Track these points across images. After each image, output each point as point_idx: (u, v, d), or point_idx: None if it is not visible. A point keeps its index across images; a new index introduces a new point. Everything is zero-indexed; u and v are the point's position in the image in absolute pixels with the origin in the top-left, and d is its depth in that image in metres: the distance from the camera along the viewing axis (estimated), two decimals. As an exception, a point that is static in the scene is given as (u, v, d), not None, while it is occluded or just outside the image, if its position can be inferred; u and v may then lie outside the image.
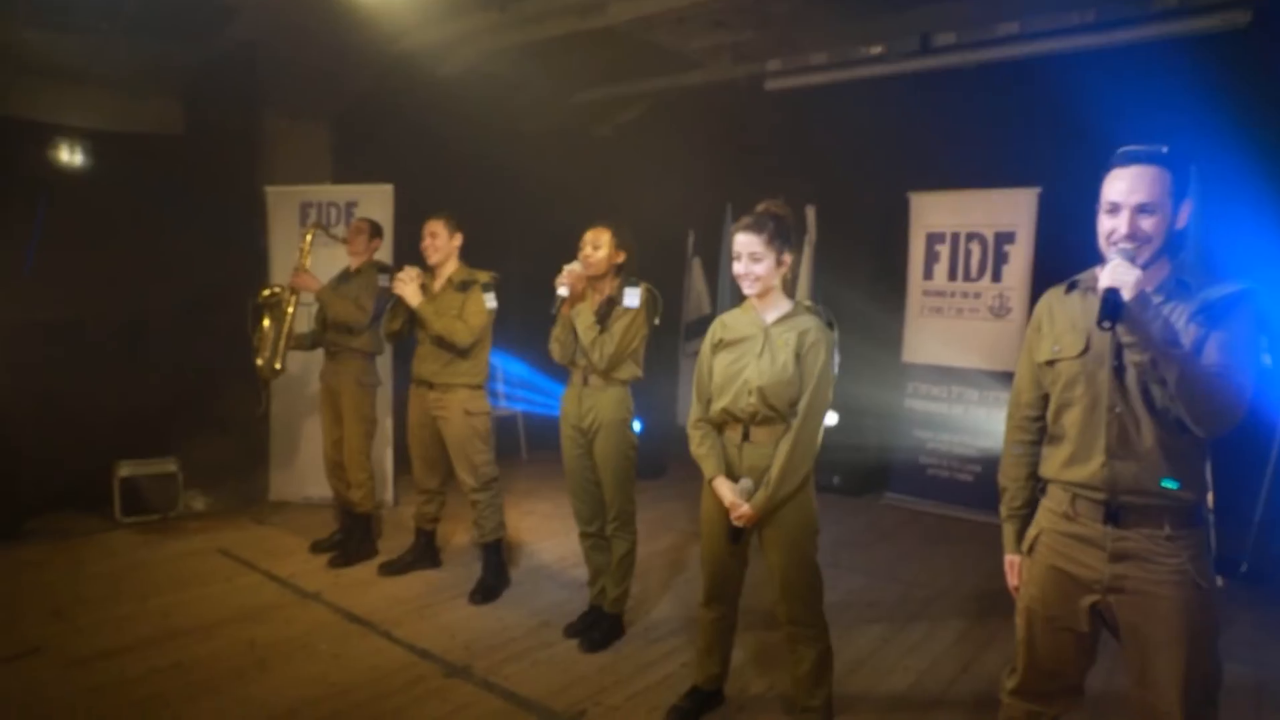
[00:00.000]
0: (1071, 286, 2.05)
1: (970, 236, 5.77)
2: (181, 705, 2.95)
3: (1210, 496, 1.91)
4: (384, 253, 4.96)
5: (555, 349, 3.48)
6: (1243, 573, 4.32)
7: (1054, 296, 2.08)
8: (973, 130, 5.58)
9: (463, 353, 3.90)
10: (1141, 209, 1.82)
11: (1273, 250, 4.01)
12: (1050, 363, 2.01)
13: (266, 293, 4.51)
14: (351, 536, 4.51)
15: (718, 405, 2.67)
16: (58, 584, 4.03)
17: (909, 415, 6.01)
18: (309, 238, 4.50)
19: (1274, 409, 4.18)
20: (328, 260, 4.78)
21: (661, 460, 6.49)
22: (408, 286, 3.84)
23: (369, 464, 4.48)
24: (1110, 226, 1.86)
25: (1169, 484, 1.84)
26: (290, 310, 4.43)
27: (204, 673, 3.20)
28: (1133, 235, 1.82)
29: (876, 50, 5.71)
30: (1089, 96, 4.54)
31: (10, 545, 4.50)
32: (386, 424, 5.37)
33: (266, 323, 4.46)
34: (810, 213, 6.24)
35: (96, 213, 5.13)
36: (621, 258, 3.39)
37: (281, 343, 4.42)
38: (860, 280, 6.01)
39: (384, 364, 5.00)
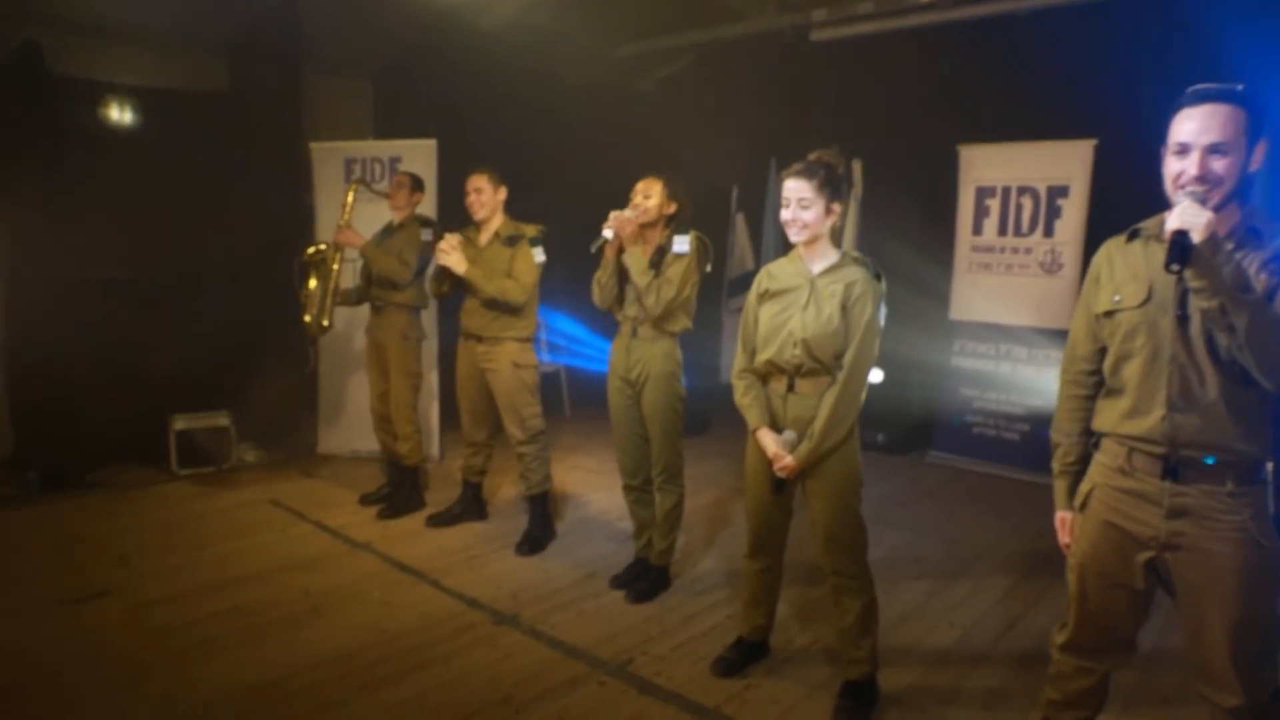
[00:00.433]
0: (1133, 235, 1.97)
1: (1022, 190, 5.62)
2: (240, 647, 3.05)
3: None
4: (428, 208, 4.98)
5: (596, 291, 3.46)
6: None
7: (1114, 246, 2.01)
8: (1026, 80, 5.40)
9: (514, 309, 3.92)
10: (1213, 149, 1.73)
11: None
12: (1109, 313, 1.94)
13: (311, 250, 4.55)
14: (400, 489, 4.59)
15: (762, 356, 2.65)
16: (121, 532, 4.17)
17: (955, 373, 5.93)
18: (351, 194, 4.51)
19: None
20: (372, 216, 4.81)
21: (705, 417, 6.48)
22: (451, 256, 3.81)
23: (415, 417, 4.54)
24: (1178, 169, 1.77)
25: (1209, 460, 1.80)
26: (335, 267, 4.47)
27: (260, 617, 3.30)
28: (1203, 177, 1.73)
29: (926, -2, 5.54)
30: (1150, 42, 4.36)
31: (76, 495, 4.67)
32: (432, 377, 5.43)
33: (313, 281, 4.52)
34: (857, 167, 6.12)
35: (145, 170, 5.19)
36: (673, 209, 3.37)
37: (328, 299, 4.47)
38: (907, 236, 5.87)
39: (429, 318, 5.05)
